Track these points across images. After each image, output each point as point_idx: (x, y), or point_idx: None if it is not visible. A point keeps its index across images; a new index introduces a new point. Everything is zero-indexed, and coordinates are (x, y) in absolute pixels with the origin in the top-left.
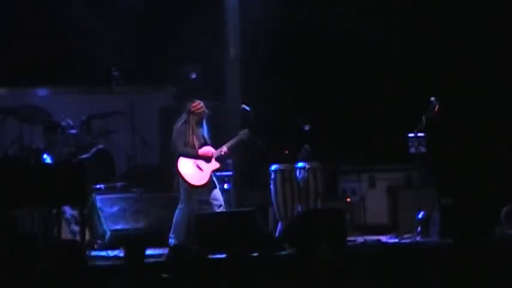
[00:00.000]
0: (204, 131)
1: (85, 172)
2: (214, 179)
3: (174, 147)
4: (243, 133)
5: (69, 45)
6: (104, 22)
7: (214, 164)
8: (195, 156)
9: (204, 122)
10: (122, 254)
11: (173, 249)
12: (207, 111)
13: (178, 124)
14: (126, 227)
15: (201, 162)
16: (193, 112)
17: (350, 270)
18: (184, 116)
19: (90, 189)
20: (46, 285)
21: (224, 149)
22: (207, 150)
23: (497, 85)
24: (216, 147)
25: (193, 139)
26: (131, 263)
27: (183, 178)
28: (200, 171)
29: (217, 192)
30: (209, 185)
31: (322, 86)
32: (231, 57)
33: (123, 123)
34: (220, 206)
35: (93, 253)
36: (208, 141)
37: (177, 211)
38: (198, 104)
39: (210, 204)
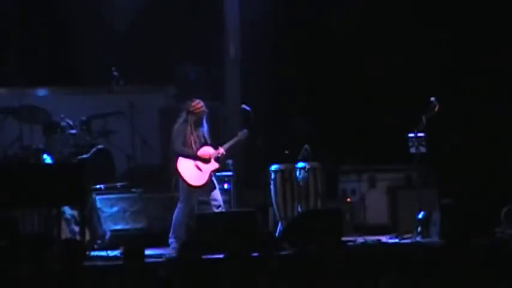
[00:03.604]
0: (204, 130)
1: (85, 172)
2: (214, 179)
3: (172, 146)
4: (242, 134)
5: (69, 45)
6: (104, 22)
7: (214, 164)
8: (193, 157)
9: (204, 121)
10: (120, 254)
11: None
12: (206, 110)
13: (178, 123)
14: (126, 227)
15: (200, 163)
16: (192, 112)
17: (350, 270)
18: (183, 115)
19: (90, 189)
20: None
21: (221, 150)
22: (206, 151)
23: (498, 85)
24: (215, 147)
25: (192, 139)
26: (130, 263)
27: (182, 178)
28: (199, 171)
29: (216, 193)
30: (208, 186)
31: (322, 86)
32: (231, 57)
33: (123, 123)
34: (219, 206)
35: (93, 253)
36: (208, 141)
37: (176, 210)
38: (198, 104)
39: (209, 204)
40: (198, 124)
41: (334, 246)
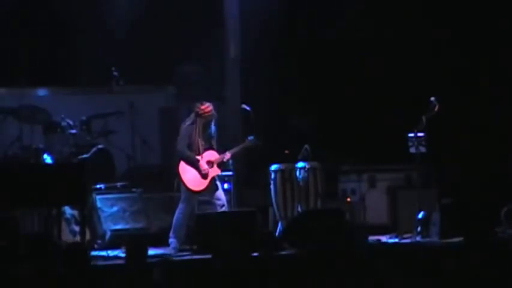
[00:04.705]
0: (212, 134)
1: (85, 172)
2: (217, 182)
3: (177, 148)
4: (249, 140)
5: (70, 45)
6: (104, 22)
7: (215, 170)
8: (194, 163)
9: (213, 124)
10: (122, 254)
11: None
12: (216, 114)
13: (186, 124)
14: (126, 227)
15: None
16: (201, 115)
17: (350, 270)
18: (192, 116)
19: (90, 189)
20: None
21: (227, 155)
22: (209, 156)
23: (498, 85)
24: (220, 152)
25: (198, 141)
26: (133, 262)
27: (182, 181)
28: (200, 176)
29: (220, 192)
30: (210, 189)
31: (322, 86)
32: (231, 57)
33: (123, 123)
34: (223, 205)
35: (93, 253)
36: (215, 146)
37: (177, 211)
38: (207, 108)
39: (212, 204)
40: (206, 128)
41: (350, 246)
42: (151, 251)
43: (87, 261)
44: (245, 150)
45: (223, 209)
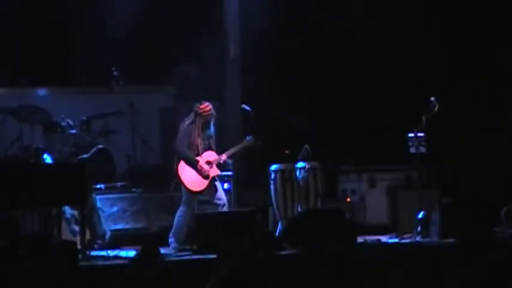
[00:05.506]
0: (211, 134)
1: (85, 172)
2: (217, 182)
3: (177, 148)
4: (247, 140)
5: (70, 45)
6: (104, 22)
7: (215, 171)
8: (194, 164)
9: (212, 124)
10: (130, 254)
11: None
12: (215, 113)
13: (185, 124)
14: (126, 227)
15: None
16: (200, 114)
17: (349, 270)
18: (191, 116)
19: (90, 189)
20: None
21: (224, 157)
22: (208, 157)
23: (498, 85)
24: (219, 152)
25: (198, 141)
26: (144, 261)
27: (181, 182)
28: (199, 177)
29: (220, 193)
30: (210, 189)
31: (322, 86)
32: (231, 57)
33: (123, 123)
34: (224, 205)
35: (93, 253)
36: (213, 145)
37: (178, 213)
38: (206, 107)
39: (213, 204)
40: (205, 127)
41: (352, 247)
42: None
43: (76, 259)
44: (243, 150)
45: (225, 208)
